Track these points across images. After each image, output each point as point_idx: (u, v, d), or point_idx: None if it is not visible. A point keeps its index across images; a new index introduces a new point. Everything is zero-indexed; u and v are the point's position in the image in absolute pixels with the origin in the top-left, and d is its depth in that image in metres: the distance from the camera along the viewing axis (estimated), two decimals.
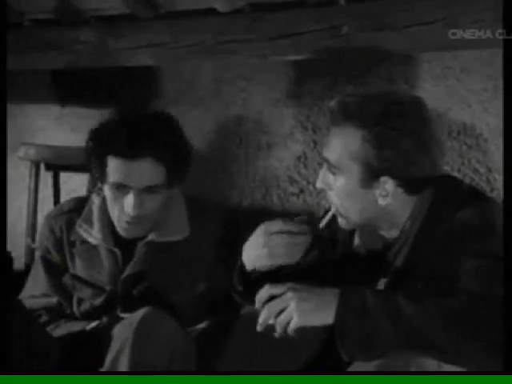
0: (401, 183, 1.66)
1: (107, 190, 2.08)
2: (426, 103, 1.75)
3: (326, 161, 1.71)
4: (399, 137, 1.62)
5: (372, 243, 1.78)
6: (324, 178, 1.73)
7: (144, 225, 2.11)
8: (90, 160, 2.09)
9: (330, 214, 1.76)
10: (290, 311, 1.49)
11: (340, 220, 1.76)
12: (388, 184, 1.66)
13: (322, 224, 1.76)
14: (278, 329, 1.51)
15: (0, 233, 2.00)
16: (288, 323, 1.50)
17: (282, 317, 1.50)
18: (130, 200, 2.03)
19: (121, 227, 2.11)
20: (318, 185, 1.76)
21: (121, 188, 2.04)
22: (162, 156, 2.02)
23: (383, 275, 1.70)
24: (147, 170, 2.01)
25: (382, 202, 1.68)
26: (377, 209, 1.70)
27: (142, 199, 2.04)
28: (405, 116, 1.65)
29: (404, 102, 1.69)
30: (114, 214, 2.11)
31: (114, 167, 2.02)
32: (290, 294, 1.51)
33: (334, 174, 1.70)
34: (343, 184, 1.69)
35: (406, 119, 1.64)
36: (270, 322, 1.52)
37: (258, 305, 1.56)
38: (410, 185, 1.67)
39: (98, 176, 2.08)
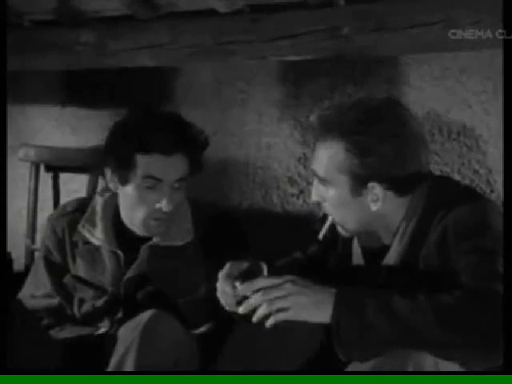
0: (389, 186, 1.67)
1: (133, 188, 2.08)
2: (401, 103, 1.78)
3: (315, 175, 1.74)
4: (379, 141, 1.64)
5: (370, 243, 1.79)
6: (317, 191, 1.76)
7: (167, 222, 2.12)
8: (109, 160, 2.11)
9: (327, 225, 1.79)
10: (286, 302, 1.50)
11: (339, 229, 1.79)
12: (376, 189, 1.67)
13: (321, 235, 1.80)
14: (265, 311, 1.51)
15: (0, 234, 2.00)
16: (279, 311, 1.50)
17: (276, 302, 1.50)
18: (165, 196, 2.06)
19: (145, 225, 2.11)
20: (313, 198, 1.78)
21: (152, 183, 2.05)
22: (188, 151, 2.08)
23: (380, 274, 1.71)
24: (178, 165, 2.07)
25: (374, 207, 1.70)
26: (371, 214, 1.71)
27: (174, 194, 2.08)
28: (382, 120, 1.66)
29: (379, 106, 1.71)
30: (137, 213, 2.10)
31: (147, 162, 2.04)
32: (289, 286, 1.51)
33: (324, 186, 1.73)
34: (334, 195, 1.71)
35: (383, 123, 1.66)
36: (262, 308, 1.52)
37: (250, 290, 1.56)
38: (398, 187, 1.68)
39: (120, 175, 2.09)
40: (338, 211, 1.74)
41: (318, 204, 1.81)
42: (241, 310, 1.56)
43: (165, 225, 2.12)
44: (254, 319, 1.53)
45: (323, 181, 1.72)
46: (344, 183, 1.69)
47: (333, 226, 1.80)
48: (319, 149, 1.72)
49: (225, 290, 1.68)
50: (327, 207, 1.76)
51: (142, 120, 2.09)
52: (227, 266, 1.71)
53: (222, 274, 1.70)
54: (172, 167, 2.06)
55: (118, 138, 2.09)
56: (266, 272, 1.67)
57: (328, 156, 1.69)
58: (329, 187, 1.71)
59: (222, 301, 1.71)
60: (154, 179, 2.05)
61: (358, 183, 1.68)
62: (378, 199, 1.69)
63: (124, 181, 2.08)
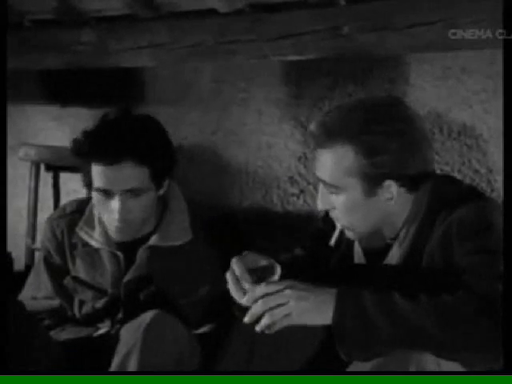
0: (402, 183, 1.66)
1: (94, 196, 2.07)
2: (403, 100, 1.77)
3: (323, 182, 1.71)
4: (388, 139, 1.62)
5: (373, 244, 1.78)
6: (324, 199, 1.73)
7: (133, 227, 2.10)
8: (79, 167, 2.11)
9: (338, 231, 1.75)
10: (287, 308, 1.49)
11: (348, 233, 1.76)
12: (392, 187, 1.66)
13: (332, 242, 1.76)
14: (269, 321, 1.50)
15: (0, 233, 2.00)
16: (282, 318, 1.49)
17: (278, 311, 1.49)
18: (114, 205, 2.02)
19: (111, 231, 2.11)
20: (320, 207, 1.75)
21: (105, 193, 2.03)
22: (143, 158, 2.00)
23: (382, 273, 1.71)
24: (128, 174, 2.00)
25: (387, 205, 1.68)
26: (382, 213, 1.70)
27: (127, 203, 2.03)
28: (387, 117, 1.65)
29: (382, 104, 1.70)
30: (103, 218, 2.11)
31: (97, 173, 2.02)
32: (288, 292, 1.51)
33: (333, 192, 1.69)
34: (346, 200, 1.68)
35: (389, 120, 1.64)
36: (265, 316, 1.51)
37: (250, 301, 1.54)
38: (410, 183, 1.67)
39: (86, 183, 2.09)
40: (350, 216, 1.70)
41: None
42: (246, 320, 1.55)
43: (130, 230, 2.10)
44: (258, 329, 1.53)
45: (333, 187, 1.68)
46: (356, 186, 1.66)
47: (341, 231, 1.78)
48: (324, 155, 1.68)
49: (234, 282, 1.64)
50: (337, 214, 1.73)
51: (96, 128, 2.05)
52: (243, 255, 1.67)
53: (234, 264, 1.65)
54: (119, 177, 2.00)
55: (73, 150, 2.08)
56: (279, 274, 1.65)
57: (335, 161, 1.66)
58: (339, 193, 1.68)
59: (231, 291, 1.65)
60: (103, 190, 2.03)
61: (372, 183, 1.65)
62: (392, 197, 1.67)
63: (88, 189, 2.10)
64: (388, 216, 1.71)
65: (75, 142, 2.08)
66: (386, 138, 1.62)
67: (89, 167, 2.03)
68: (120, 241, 2.13)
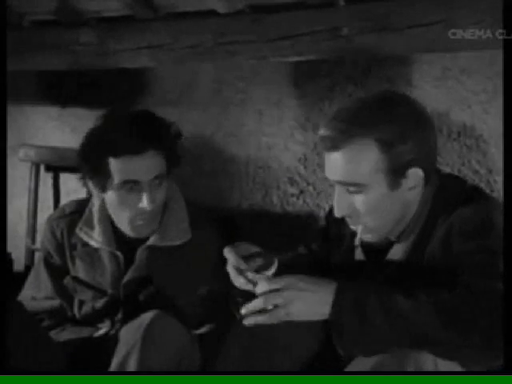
0: (424, 169, 1.66)
1: (112, 193, 2.06)
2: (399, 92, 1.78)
3: (341, 183, 1.67)
4: (404, 127, 1.62)
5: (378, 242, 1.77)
6: (343, 202, 1.68)
7: (154, 220, 2.11)
8: (87, 168, 2.10)
9: (360, 230, 1.71)
10: (287, 309, 1.49)
11: (367, 236, 1.73)
12: (419, 173, 1.65)
13: (357, 242, 1.74)
14: (270, 320, 1.50)
15: (0, 234, 2.00)
16: (283, 316, 1.50)
17: (277, 312, 1.49)
18: (143, 196, 2.03)
19: (133, 227, 2.11)
20: (340, 213, 1.70)
21: (130, 186, 2.03)
22: (160, 146, 2.04)
23: (384, 270, 1.71)
24: (152, 162, 2.03)
25: (410, 195, 1.68)
26: (402, 205, 1.69)
27: (154, 192, 2.05)
28: (396, 107, 1.65)
29: (387, 97, 1.69)
30: (123, 215, 2.10)
31: (121, 166, 2.02)
32: (289, 292, 1.50)
33: (356, 192, 1.66)
34: (370, 197, 1.65)
35: (399, 110, 1.64)
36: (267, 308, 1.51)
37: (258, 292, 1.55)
38: (428, 171, 1.67)
39: (97, 182, 2.08)
40: (374, 213, 1.67)
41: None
42: (242, 311, 1.55)
43: (151, 223, 2.12)
44: (252, 321, 1.53)
45: (354, 186, 1.65)
46: (381, 180, 1.63)
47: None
48: (340, 155, 1.64)
49: (234, 270, 1.66)
50: (356, 217, 1.69)
51: (108, 125, 2.06)
52: (235, 245, 1.68)
53: (228, 253, 1.67)
54: (145, 166, 2.02)
55: (88, 148, 2.08)
56: (276, 267, 1.65)
57: (356, 159, 1.62)
58: (362, 191, 1.64)
59: (231, 277, 1.67)
60: (130, 182, 2.03)
61: (397, 174, 1.63)
62: (415, 185, 1.66)
63: (102, 188, 2.08)
64: (405, 207, 1.69)
65: (87, 143, 2.08)
66: (402, 126, 1.62)
67: (106, 165, 2.03)
68: (138, 237, 2.13)
